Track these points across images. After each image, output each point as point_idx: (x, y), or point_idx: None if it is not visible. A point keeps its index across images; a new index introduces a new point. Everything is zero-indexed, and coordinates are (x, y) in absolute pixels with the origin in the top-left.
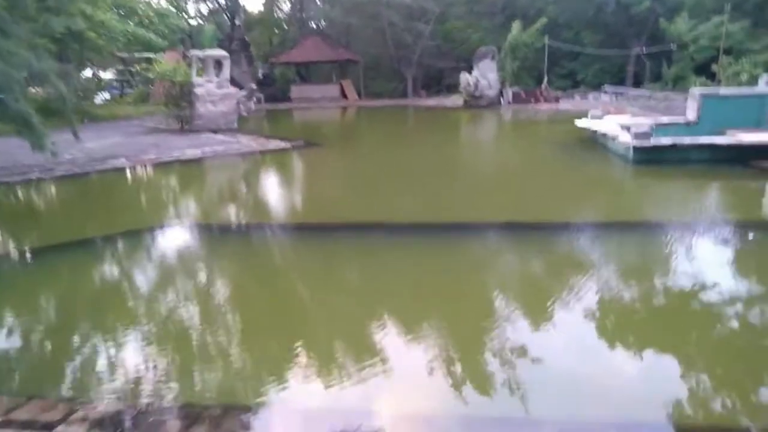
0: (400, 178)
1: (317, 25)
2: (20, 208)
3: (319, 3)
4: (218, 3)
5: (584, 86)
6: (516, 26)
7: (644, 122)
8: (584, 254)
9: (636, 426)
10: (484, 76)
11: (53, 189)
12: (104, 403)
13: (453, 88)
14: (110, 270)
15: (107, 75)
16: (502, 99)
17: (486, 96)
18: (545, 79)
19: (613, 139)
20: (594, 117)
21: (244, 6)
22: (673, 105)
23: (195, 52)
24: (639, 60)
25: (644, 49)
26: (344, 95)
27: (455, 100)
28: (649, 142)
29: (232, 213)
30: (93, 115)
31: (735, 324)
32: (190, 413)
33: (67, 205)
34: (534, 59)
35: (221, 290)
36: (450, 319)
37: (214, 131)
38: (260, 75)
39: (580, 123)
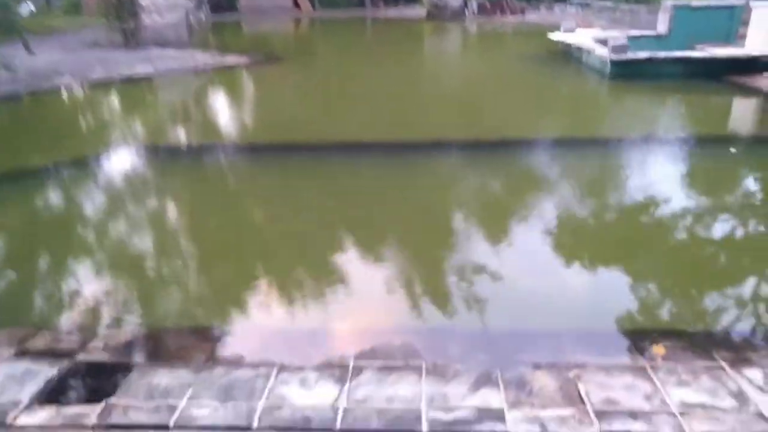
0: (365, 95)
1: None
2: None
3: None
4: None
5: None
6: None
7: (618, 35)
8: (552, 171)
9: (587, 334)
10: None
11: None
12: (119, 330)
13: None
14: (69, 197)
15: None
16: (466, 10)
17: (450, 7)
18: None
19: (589, 52)
20: (567, 30)
21: None
22: (639, 18)
23: None
24: None
25: None
26: (297, 5)
27: (417, 11)
28: (625, 55)
29: (188, 133)
30: (31, 28)
31: (684, 235)
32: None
33: (9, 129)
34: None
35: (181, 213)
36: (408, 239)
37: (163, 46)
38: None
39: (554, 36)
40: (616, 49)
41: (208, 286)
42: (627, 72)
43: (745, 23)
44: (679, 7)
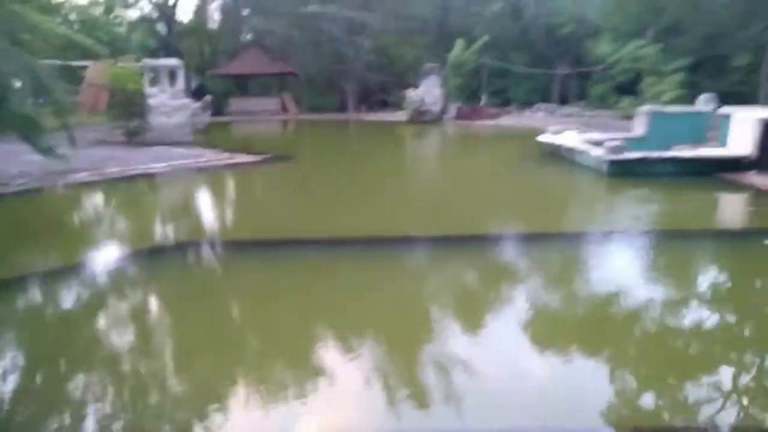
0: (378, 191)
1: (254, 37)
2: None
3: (245, 14)
4: (155, 8)
5: (515, 103)
6: (459, 44)
7: (610, 137)
8: (573, 264)
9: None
10: (429, 92)
11: (16, 206)
12: None
13: (390, 103)
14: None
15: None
16: (445, 115)
17: (431, 112)
18: (484, 96)
19: (582, 152)
20: (555, 132)
21: (176, 15)
22: (604, 122)
23: (148, 61)
24: (564, 79)
25: (572, 69)
26: (284, 109)
27: (399, 115)
28: (621, 155)
29: (220, 230)
30: None
31: (673, 325)
32: None
33: (30, 226)
34: (468, 77)
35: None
36: (399, 335)
37: (168, 144)
38: (193, 86)
39: (543, 138)
40: (613, 149)
41: (196, 388)
42: (623, 170)
43: (714, 127)
44: (656, 112)
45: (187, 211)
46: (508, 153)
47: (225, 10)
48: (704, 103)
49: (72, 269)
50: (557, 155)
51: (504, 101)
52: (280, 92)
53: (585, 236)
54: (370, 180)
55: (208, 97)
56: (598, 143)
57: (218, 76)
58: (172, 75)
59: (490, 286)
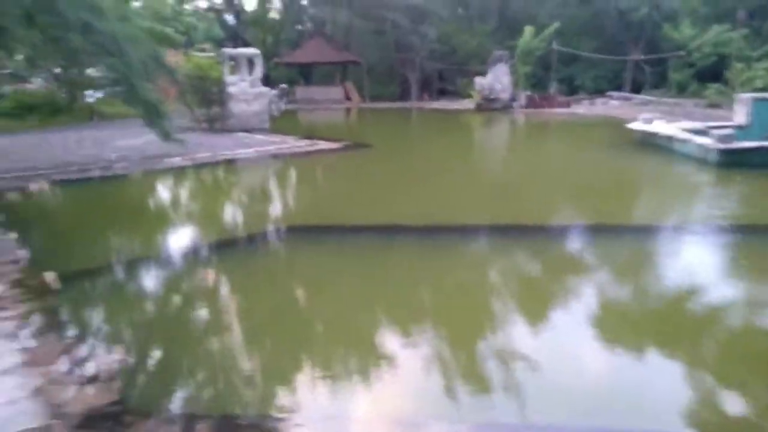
0: (464, 179)
1: (315, 26)
2: (112, 205)
3: (304, 3)
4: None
5: (583, 91)
6: (528, 31)
7: (705, 126)
8: (713, 256)
9: None
10: (498, 79)
11: (127, 187)
12: None
13: (451, 91)
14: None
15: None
16: (514, 103)
17: (500, 99)
18: (553, 84)
19: (684, 141)
20: (647, 121)
21: (242, 5)
22: (689, 111)
23: (227, 50)
24: (637, 66)
25: (646, 55)
26: (347, 97)
27: (464, 103)
28: (733, 144)
29: (327, 213)
30: (102, 113)
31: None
32: None
33: (135, 208)
34: (536, 64)
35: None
36: (463, 325)
37: (247, 131)
38: None
39: (634, 126)
40: (723, 137)
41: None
42: (734, 160)
43: None
44: (759, 99)
45: (278, 195)
46: (594, 141)
47: (286, 1)
48: None
49: (179, 251)
50: (651, 144)
51: (571, 89)
52: (342, 81)
53: (698, 229)
54: (454, 168)
55: (284, 86)
56: (699, 132)
57: (282, 64)
58: (250, 63)
59: (575, 279)
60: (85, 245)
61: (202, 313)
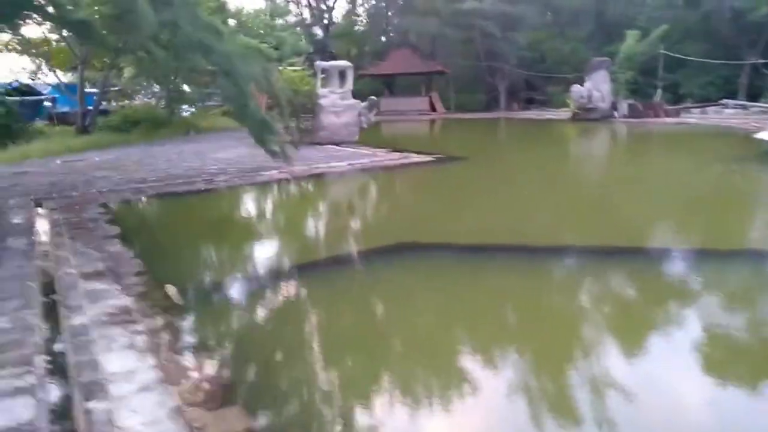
0: (573, 195)
1: (400, 37)
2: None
3: (390, 14)
4: (313, 12)
5: (689, 99)
6: (632, 35)
7: None
8: None
9: None
10: (597, 87)
11: (231, 199)
12: None
13: (540, 100)
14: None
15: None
16: (615, 112)
17: (599, 109)
18: (658, 92)
19: None
20: None
21: (331, 18)
22: None
23: (319, 63)
24: (754, 72)
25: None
26: (432, 108)
27: (558, 113)
28: None
29: (431, 230)
30: (197, 126)
31: None
32: None
33: (243, 220)
34: (639, 71)
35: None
36: (553, 348)
37: (336, 144)
38: None
39: (765, 136)
40: None
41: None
42: None
43: None
44: None
45: (378, 211)
46: (716, 154)
47: (371, 13)
48: None
49: (288, 267)
50: None
51: (676, 97)
52: (427, 91)
53: None
54: (559, 183)
55: (373, 98)
56: None
57: (367, 76)
58: (341, 75)
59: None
60: (197, 259)
61: (317, 331)
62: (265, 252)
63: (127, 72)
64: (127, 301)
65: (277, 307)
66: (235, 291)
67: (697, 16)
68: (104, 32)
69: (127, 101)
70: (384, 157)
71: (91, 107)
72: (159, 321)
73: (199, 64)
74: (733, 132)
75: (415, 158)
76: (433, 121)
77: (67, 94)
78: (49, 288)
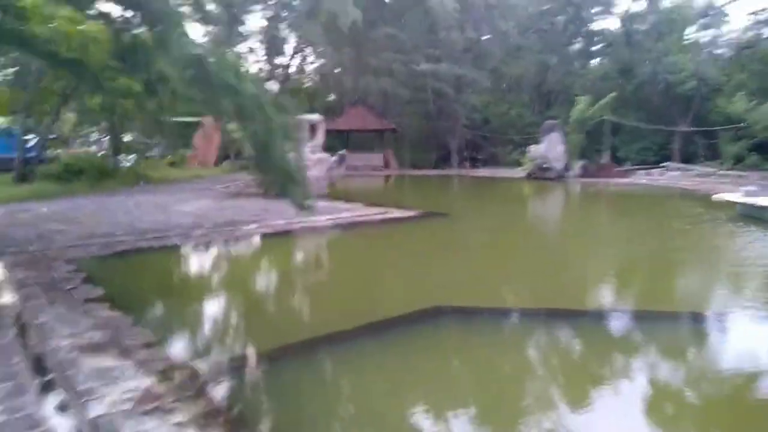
0: (565, 252)
1: (353, 95)
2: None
3: (337, 72)
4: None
5: (627, 162)
6: (583, 100)
7: None
8: None
9: None
10: (552, 148)
11: (225, 254)
12: None
13: (485, 160)
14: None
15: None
16: (568, 172)
17: (554, 168)
18: (605, 155)
19: None
20: (749, 194)
21: (287, 74)
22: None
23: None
24: (685, 138)
25: (696, 127)
26: (386, 164)
27: (511, 171)
28: None
29: (444, 293)
30: (147, 177)
31: None
32: None
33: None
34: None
35: None
36: None
37: None
38: None
39: (734, 198)
40: None
41: None
42: None
43: None
44: None
45: (380, 272)
46: (690, 216)
47: (321, 71)
48: None
49: (312, 334)
50: (758, 219)
51: (615, 160)
52: (380, 148)
53: None
54: (548, 241)
55: (343, 152)
56: None
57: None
58: (312, 129)
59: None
60: (209, 325)
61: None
62: (284, 320)
63: (68, 119)
64: (147, 381)
65: (322, 381)
66: (260, 365)
67: (632, 86)
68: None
69: (63, 149)
70: (363, 211)
71: (33, 154)
72: (201, 406)
73: (225, 106)
74: (690, 194)
75: (396, 213)
76: (390, 177)
77: (4, 139)
78: (38, 365)
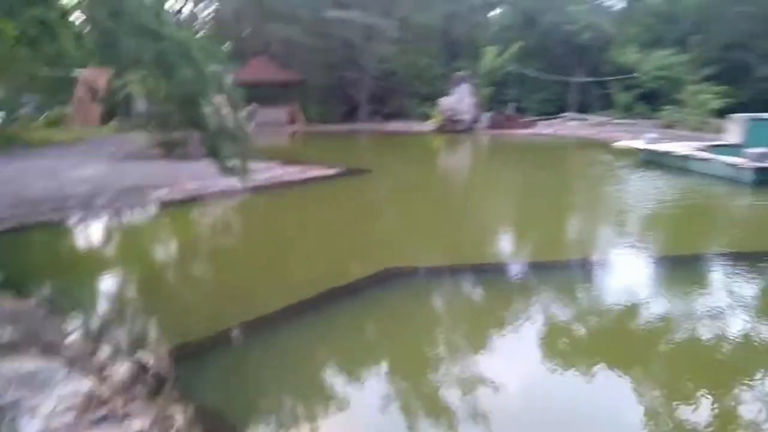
0: (499, 203)
1: (254, 44)
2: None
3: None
4: None
5: (529, 113)
6: (491, 51)
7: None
8: None
9: None
10: (462, 101)
11: (137, 225)
12: None
13: (396, 113)
14: None
15: None
16: (478, 124)
17: (464, 121)
18: (511, 106)
19: (706, 161)
20: (651, 141)
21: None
22: (647, 130)
23: None
24: (582, 89)
25: (593, 77)
26: (292, 120)
27: (422, 125)
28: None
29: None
30: (24, 140)
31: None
32: None
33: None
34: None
35: None
36: None
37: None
38: None
39: (639, 145)
40: (757, 156)
41: None
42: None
43: None
44: (754, 119)
45: (317, 232)
46: (599, 163)
47: (217, 18)
48: None
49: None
50: (661, 164)
51: (518, 111)
52: (285, 102)
53: None
54: (470, 194)
55: (253, 106)
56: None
57: None
58: None
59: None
60: (134, 307)
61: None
62: (220, 288)
63: None
64: (87, 383)
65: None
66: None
67: (534, 37)
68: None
69: None
70: (282, 171)
71: None
72: (159, 406)
73: (145, 53)
74: (593, 142)
75: (317, 171)
76: (297, 133)
77: None
78: None
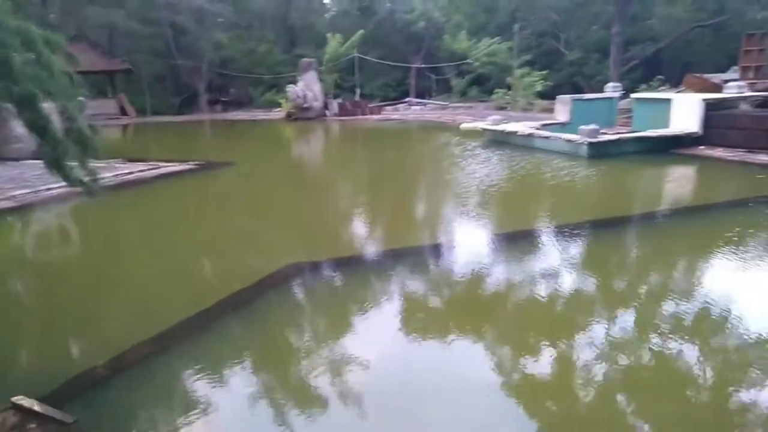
0: (361, 193)
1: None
2: None
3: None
4: None
5: (371, 99)
6: (335, 38)
7: (543, 124)
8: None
9: None
10: (309, 88)
11: None
12: None
13: (245, 101)
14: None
15: None
16: (327, 111)
17: (314, 108)
18: (357, 92)
19: (548, 138)
20: (496, 122)
21: None
22: (485, 112)
23: None
24: (419, 74)
25: (430, 64)
26: (123, 112)
27: (270, 113)
28: (599, 138)
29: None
30: None
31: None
32: None
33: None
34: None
35: None
36: None
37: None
38: None
39: (485, 126)
40: (590, 133)
41: None
42: (600, 152)
43: (621, 111)
44: (577, 99)
45: (193, 233)
46: (450, 145)
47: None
48: (612, 90)
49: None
50: (507, 143)
51: (361, 97)
52: (113, 93)
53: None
54: (336, 181)
55: (82, 99)
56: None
57: None
58: None
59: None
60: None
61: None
62: (102, 306)
63: None
64: None
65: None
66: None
67: (372, 25)
68: None
69: None
70: (127, 168)
71: None
72: None
73: None
74: (441, 125)
75: (170, 167)
76: (129, 126)
77: None
78: None
